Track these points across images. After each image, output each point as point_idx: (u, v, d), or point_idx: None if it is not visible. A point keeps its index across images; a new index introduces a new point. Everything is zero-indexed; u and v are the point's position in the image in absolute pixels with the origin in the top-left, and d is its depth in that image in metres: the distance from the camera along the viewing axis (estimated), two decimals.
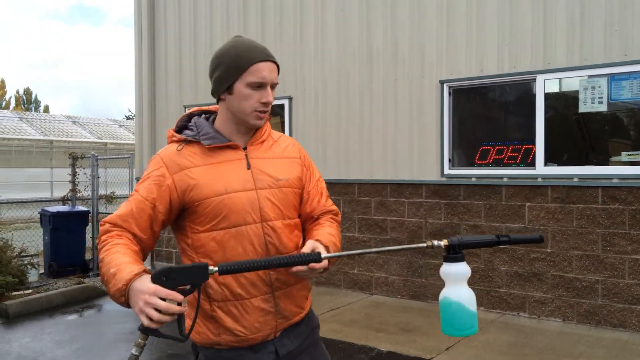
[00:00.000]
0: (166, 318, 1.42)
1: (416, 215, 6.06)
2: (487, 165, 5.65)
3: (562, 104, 5.26)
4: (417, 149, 6.04)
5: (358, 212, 6.50)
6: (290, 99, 7.02)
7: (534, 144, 5.32)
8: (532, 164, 5.35)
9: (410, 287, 6.12)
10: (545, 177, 5.25)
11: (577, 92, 5.10)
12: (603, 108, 4.97)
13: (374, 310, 5.72)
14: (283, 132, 7.10)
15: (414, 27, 6.05)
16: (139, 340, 1.45)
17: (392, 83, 6.21)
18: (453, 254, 1.61)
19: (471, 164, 5.77)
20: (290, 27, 7.01)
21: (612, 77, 4.91)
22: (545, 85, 5.23)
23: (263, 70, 1.71)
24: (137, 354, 1.44)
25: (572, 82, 5.15)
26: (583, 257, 5.06)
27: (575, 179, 5.09)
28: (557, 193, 5.19)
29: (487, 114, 5.86)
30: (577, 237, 5.09)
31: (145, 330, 1.43)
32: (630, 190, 4.82)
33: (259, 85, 1.72)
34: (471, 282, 5.49)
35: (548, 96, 5.26)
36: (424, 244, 1.63)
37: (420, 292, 6.05)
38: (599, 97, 4.97)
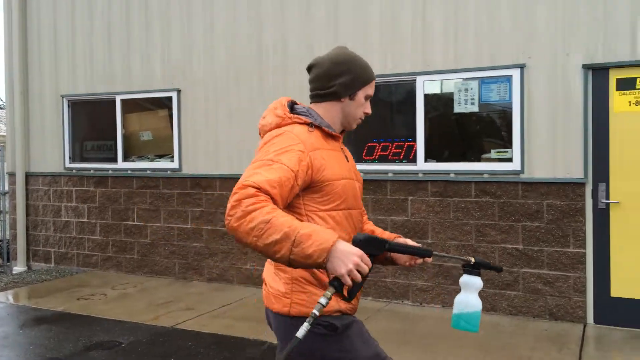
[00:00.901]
0: (359, 279, 1.60)
1: None
2: (373, 161, 5.91)
3: (440, 104, 5.63)
4: None
5: None
6: (178, 91, 6.84)
7: (415, 142, 5.65)
8: (413, 160, 5.68)
9: None
10: (425, 173, 5.60)
11: (452, 93, 5.49)
12: (475, 109, 5.39)
13: None
14: (171, 126, 6.91)
15: (302, 26, 6.15)
16: (328, 292, 1.59)
17: (281, 80, 6.27)
18: (476, 269, 1.94)
19: (359, 159, 6.00)
20: (177, 18, 6.82)
21: (482, 81, 5.34)
22: (424, 86, 5.57)
23: (374, 87, 2.07)
24: (324, 304, 1.59)
25: (448, 84, 5.52)
26: (459, 247, 5.48)
27: (452, 175, 5.48)
28: (436, 187, 5.56)
29: (373, 112, 6.09)
30: (453, 228, 5.49)
31: (339, 286, 1.60)
32: (499, 185, 5.29)
33: (368, 98, 2.04)
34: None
35: (427, 96, 5.60)
36: (465, 258, 1.95)
37: None
38: (471, 99, 5.39)
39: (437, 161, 5.60)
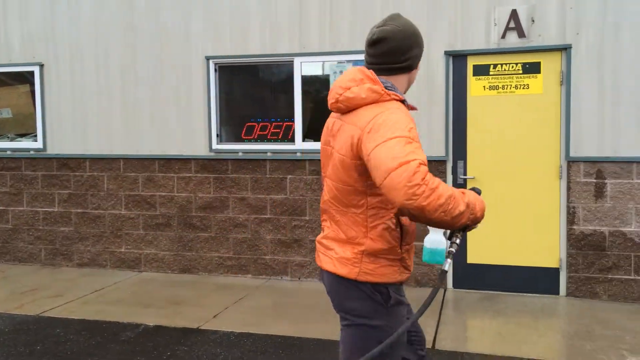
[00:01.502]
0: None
1: (185, 190, 6.10)
2: (252, 140, 5.94)
3: (317, 86, 5.79)
4: (186, 124, 6.04)
5: (125, 188, 6.26)
6: (41, 66, 6.35)
7: (294, 122, 5.77)
8: (292, 140, 5.80)
9: (180, 261, 6.16)
10: (303, 152, 5.75)
11: (328, 75, 5.67)
12: None
13: (143, 287, 5.64)
14: (34, 103, 6.41)
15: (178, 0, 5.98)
16: (459, 239, 1.89)
17: (156, 56, 6.07)
18: None
19: (238, 139, 6.00)
20: None
21: (356, 63, 5.57)
22: (302, 68, 5.69)
23: None
24: (459, 245, 1.90)
25: (325, 65, 5.69)
26: None
27: None
28: (314, 166, 5.73)
29: (252, 92, 6.13)
30: None
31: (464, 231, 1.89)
32: None
33: None
34: (240, 252, 5.72)
35: (305, 78, 5.74)
36: None
37: (191, 265, 6.14)
38: None
39: (315, 141, 5.77)
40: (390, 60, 1.98)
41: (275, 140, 5.88)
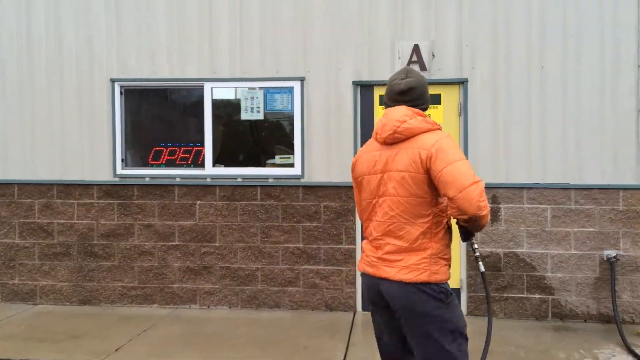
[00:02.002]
0: None
1: (87, 217, 5.80)
2: (160, 165, 5.79)
3: (227, 111, 5.78)
4: (88, 148, 5.78)
5: (19, 215, 5.85)
6: None
7: (204, 147, 5.70)
8: (202, 165, 5.72)
9: (80, 292, 5.82)
10: (213, 177, 5.68)
11: (239, 100, 5.68)
12: (260, 117, 5.66)
13: (38, 320, 5.25)
14: None
15: (81, 18, 5.78)
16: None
17: (57, 76, 5.80)
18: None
19: (145, 164, 5.83)
20: None
21: (267, 90, 5.63)
22: (212, 93, 5.67)
23: None
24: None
25: (235, 91, 5.70)
26: (246, 249, 5.66)
27: (239, 179, 5.66)
28: (224, 192, 5.68)
29: (160, 116, 6.00)
30: (240, 230, 5.66)
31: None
32: (282, 189, 5.61)
33: None
34: (145, 281, 5.52)
35: (215, 103, 5.71)
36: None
37: (92, 296, 5.81)
38: (257, 107, 5.65)
39: (225, 166, 5.73)
40: (415, 103, 2.56)
41: (185, 166, 5.76)
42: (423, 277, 2.35)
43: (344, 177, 5.50)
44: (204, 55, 5.67)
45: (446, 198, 2.33)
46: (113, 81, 5.75)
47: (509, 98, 5.32)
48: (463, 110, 5.37)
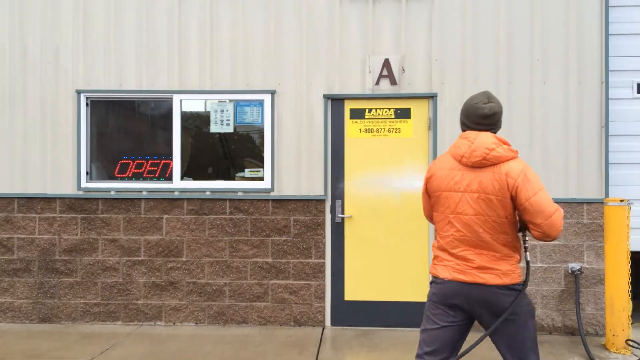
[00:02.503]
0: None
1: (49, 231, 5.61)
2: (126, 178, 5.67)
3: (197, 124, 5.71)
4: (52, 160, 5.62)
5: None
6: None
7: (172, 160, 5.60)
8: (170, 178, 5.62)
9: (41, 309, 5.60)
10: (181, 191, 5.59)
11: (209, 113, 5.62)
12: (230, 129, 5.61)
13: None
14: None
15: (47, 28, 5.66)
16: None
17: (20, 86, 5.65)
18: None
19: (111, 177, 5.69)
20: None
21: (237, 103, 5.60)
22: (181, 105, 5.60)
23: None
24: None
25: (205, 104, 5.65)
26: (214, 263, 5.56)
27: (208, 192, 5.57)
28: (192, 205, 5.58)
29: (127, 128, 5.89)
30: (208, 245, 5.56)
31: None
32: (251, 202, 5.55)
33: None
34: (109, 297, 5.36)
35: (184, 115, 5.64)
36: None
37: (52, 314, 5.60)
38: (227, 120, 5.60)
39: (194, 179, 5.64)
40: (496, 126, 2.85)
41: (152, 179, 5.65)
42: (515, 279, 2.75)
43: (314, 190, 5.47)
44: (173, 67, 5.61)
45: (528, 221, 2.71)
46: (79, 92, 5.63)
47: None
48: (433, 124, 5.43)
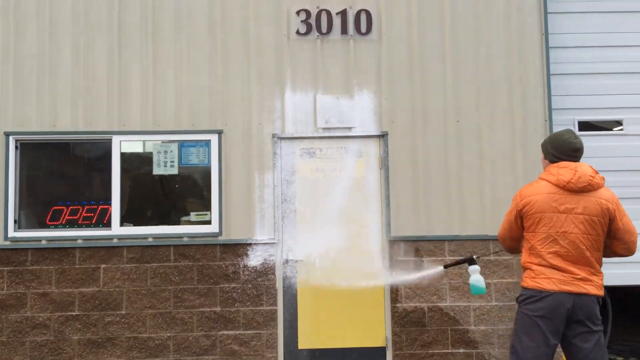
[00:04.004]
0: None
1: None
2: (60, 226, 5.24)
3: (138, 166, 5.39)
4: None
5: None
6: None
7: (111, 205, 5.24)
8: (108, 225, 5.24)
9: None
10: (121, 238, 5.21)
11: (151, 154, 5.33)
12: (175, 171, 5.34)
13: None
14: None
15: None
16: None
17: None
18: (474, 262, 3.91)
19: (42, 225, 5.25)
20: None
21: (182, 144, 5.34)
22: (121, 146, 5.28)
23: None
24: None
25: (147, 145, 5.36)
26: (157, 315, 5.16)
27: (150, 239, 5.22)
28: (133, 253, 5.20)
29: (61, 172, 5.49)
30: (151, 295, 5.17)
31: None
32: (198, 248, 5.24)
33: None
34: (39, 357, 4.83)
35: (124, 157, 5.32)
36: (468, 257, 4.01)
37: None
38: (171, 161, 5.33)
39: (135, 225, 5.28)
40: (580, 158, 3.31)
41: (88, 226, 5.25)
42: (602, 291, 3.19)
43: (264, 233, 5.23)
44: (113, 106, 5.32)
45: (617, 240, 3.23)
46: (7, 135, 5.22)
47: (427, 152, 5.39)
48: (384, 163, 5.36)
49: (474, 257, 3.89)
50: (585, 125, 5.64)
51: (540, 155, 3.48)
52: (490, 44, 5.51)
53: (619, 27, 5.67)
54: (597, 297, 3.17)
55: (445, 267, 4.44)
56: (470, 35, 5.50)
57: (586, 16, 5.69)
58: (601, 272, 3.22)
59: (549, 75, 5.44)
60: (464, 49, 5.49)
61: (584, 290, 3.13)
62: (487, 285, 5.27)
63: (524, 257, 3.35)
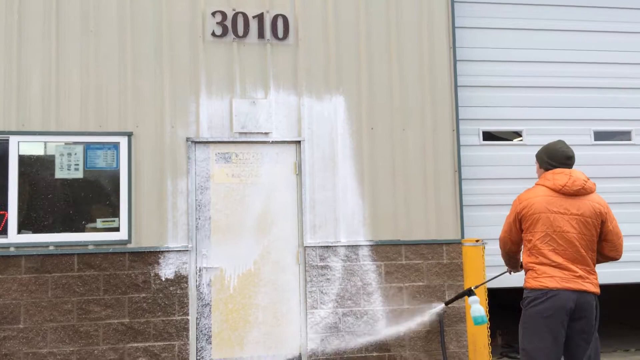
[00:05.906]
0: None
1: None
2: None
3: (39, 169, 5.03)
4: None
5: None
6: None
7: (7, 211, 4.86)
8: (4, 232, 4.85)
9: None
10: (18, 247, 4.84)
11: (53, 157, 5.00)
12: (80, 175, 5.03)
13: None
14: None
15: None
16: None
17: None
18: (472, 293, 4.39)
19: None
20: None
21: (88, 146, 5.05)
22: (19, 148, 4.91)
23: None
24: None
25: (49, 147, 5.02)
26: (58, 329, 4.84)
27: (51, 247, 4.89)
28: (32, 263, 4.85)
29: None
30: (52, 308, 4.84)
31: None
32: (105, 256, 4.97)
33: None
34: None
35: (23, 160, 4.95)
36: (468, 289, 4.58)
37: None
38: (75, 164, 5.02)
39: (34, 232, 4.93)
40: (573, 166, 3.54)
41: None
42: (598, 290, 3.35)
43: (177, 240, 5.06)
44: (10, 104, 4.93)
45: (607, 242, 3.42)
46: None
47: (344, 158, 5.46)
48: (299, 170, 5.36)
49: (472, 287, 4.12)
50: (487, 136, 5.95)
51: (535, 164, 3.66)
52: (404, 59, 5.65)
53: (520, 43, 6.04)
54: (595, 294, 3.32)
55: (447, 303, 4.96)
56: (384, 46, 5.63)
57: (491, 32, 6.01)
58: (596, 272, 3.38)
59: (456, 86, 5.69)
60: (378, 59, 5.61)
61: (584, 288, 3.27)
62: (399, 289, 5.43)
63: (525, 259, 3.48)
